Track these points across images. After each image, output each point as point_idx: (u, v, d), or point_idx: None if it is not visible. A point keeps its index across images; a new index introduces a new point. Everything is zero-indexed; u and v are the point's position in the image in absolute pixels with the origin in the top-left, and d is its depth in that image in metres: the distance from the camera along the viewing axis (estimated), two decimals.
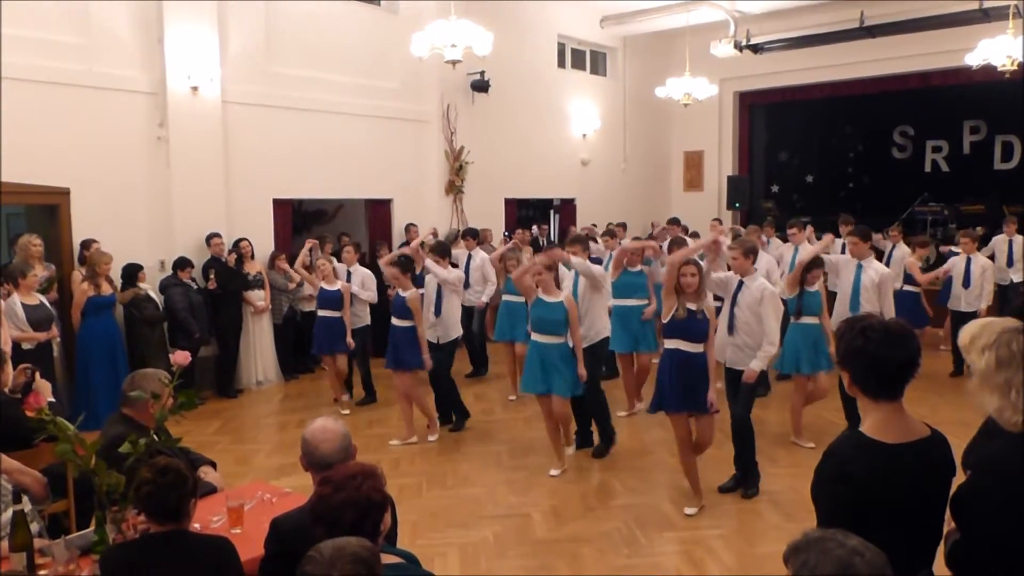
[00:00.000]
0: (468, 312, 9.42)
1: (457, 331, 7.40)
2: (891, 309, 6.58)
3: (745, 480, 5.72)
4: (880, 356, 2.17)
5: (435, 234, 9.74)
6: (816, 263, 6.58)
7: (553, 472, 6.15)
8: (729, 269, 5.86)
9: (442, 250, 7.45)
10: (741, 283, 5.62)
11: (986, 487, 2.14)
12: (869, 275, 6.67)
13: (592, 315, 6.51)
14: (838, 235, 9.75)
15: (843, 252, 7.91)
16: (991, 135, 14.70)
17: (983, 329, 2.31)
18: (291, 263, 8.97)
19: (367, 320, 8.26)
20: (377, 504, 2.26)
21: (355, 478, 2.27)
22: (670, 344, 5.27)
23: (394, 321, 7.00)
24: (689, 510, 5.38)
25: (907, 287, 8.98)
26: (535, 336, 6.05)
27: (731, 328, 5.63)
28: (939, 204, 13.97)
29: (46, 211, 7.97)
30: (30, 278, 6.66)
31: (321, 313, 7.96)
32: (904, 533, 2.11)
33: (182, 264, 8.24)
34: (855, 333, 2.21)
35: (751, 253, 5.73)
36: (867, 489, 2.10)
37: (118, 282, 7.82)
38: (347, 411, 7.96)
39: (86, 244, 7.68)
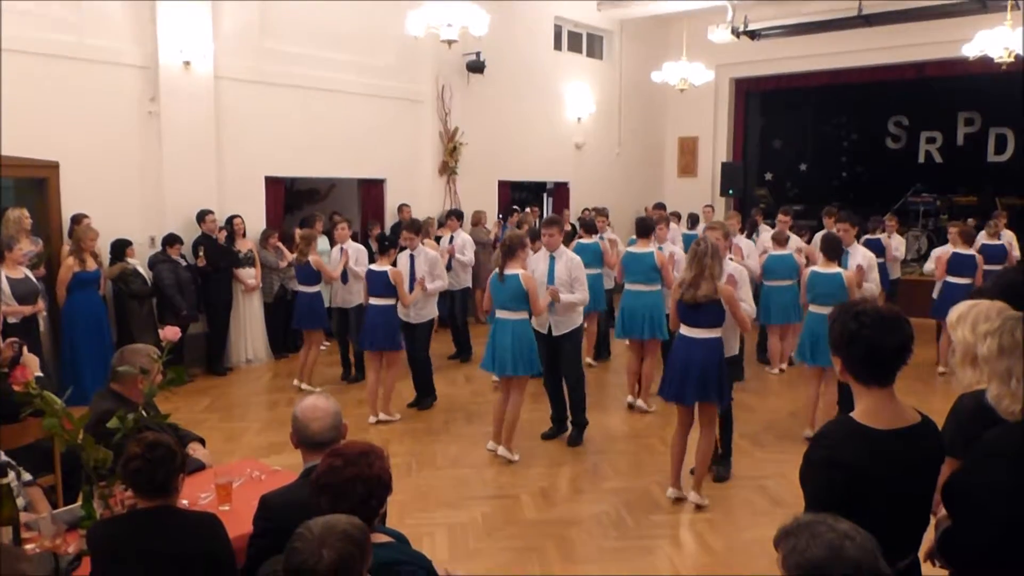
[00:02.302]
0: (450, 295, 9.40)
1: (432, 312, 7.38)
2: (878, 286, 6.86)
3: (719, 463, 5.67)
4: (874, 341, 2.15)
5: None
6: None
7: (489, 446, 6.22)
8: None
9: (416, 227, 7.38)
10: None
11: (980, 475, 2.13)
12: (856, 260, 6.78)
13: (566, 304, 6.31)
14: (822, 227, 9.74)
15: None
16: (985, 127, 14.72)
17: (971, 309, 2.30)
18: (283, 241, 8.91)
19: (360, 299, 8.22)
20: (386, 484, 2.30)
21: (367, 456, 2.30)
22: (683, 331, 5.20)
23: (372, 300, 6.98)
24: (671, 492, 5.31)
25: (951, 278, 8.38)
26: (501, 314, 5.99)
27: None
28: (932, 195, 13.99)
29: (35, 185, 7.88)
30: (16, 252, 6.63)
31: (301, 288, 8.09)
32: (892, 519, 2.10)
33: (171, 241, 8.17)
34: (849, 318, 2.20)
35: (728, 236, 6.00)
36: (856, 475, 2.09)
37: (106, 257, 7.76)
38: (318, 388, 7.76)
39: (76, 219, 7.60)
